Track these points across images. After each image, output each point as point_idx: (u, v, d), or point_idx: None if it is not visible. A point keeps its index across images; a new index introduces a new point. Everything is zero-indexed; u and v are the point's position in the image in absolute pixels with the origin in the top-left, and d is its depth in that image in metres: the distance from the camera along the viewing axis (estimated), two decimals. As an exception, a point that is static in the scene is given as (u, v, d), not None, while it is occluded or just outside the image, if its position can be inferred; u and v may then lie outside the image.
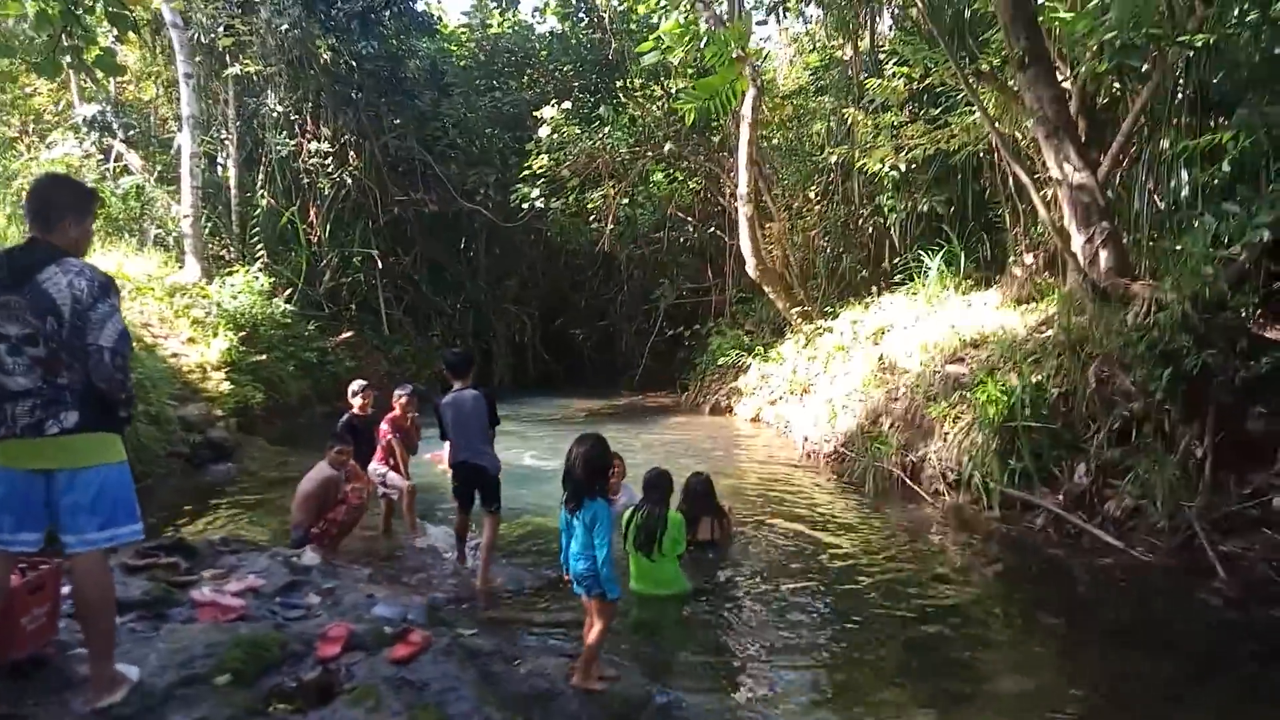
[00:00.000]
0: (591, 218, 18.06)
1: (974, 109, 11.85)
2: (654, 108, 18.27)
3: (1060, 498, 7.50)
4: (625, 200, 17.74)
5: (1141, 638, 5.67)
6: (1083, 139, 8.87)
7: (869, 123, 13.11)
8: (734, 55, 6.39)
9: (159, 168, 17.26)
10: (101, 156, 16.55)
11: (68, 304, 3.26)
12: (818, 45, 17.19)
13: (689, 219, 19.73)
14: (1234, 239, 7.22)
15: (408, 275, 20.38)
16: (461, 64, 21.15)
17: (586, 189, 17.88)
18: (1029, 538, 7.52)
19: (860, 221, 15.00)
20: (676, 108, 9.30)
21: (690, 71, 17.82)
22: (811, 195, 16.12)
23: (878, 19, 16.41)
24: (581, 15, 21.17)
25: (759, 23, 9.40)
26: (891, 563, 7.11)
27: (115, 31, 6.02)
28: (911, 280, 13.70)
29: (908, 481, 9.03)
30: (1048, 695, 4.77)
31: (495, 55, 21.18)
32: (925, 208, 13.87)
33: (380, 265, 18.71)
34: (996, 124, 9.05)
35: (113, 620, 3.54)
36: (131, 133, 17.07)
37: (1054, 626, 5.94)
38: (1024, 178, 8.71)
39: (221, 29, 16.28)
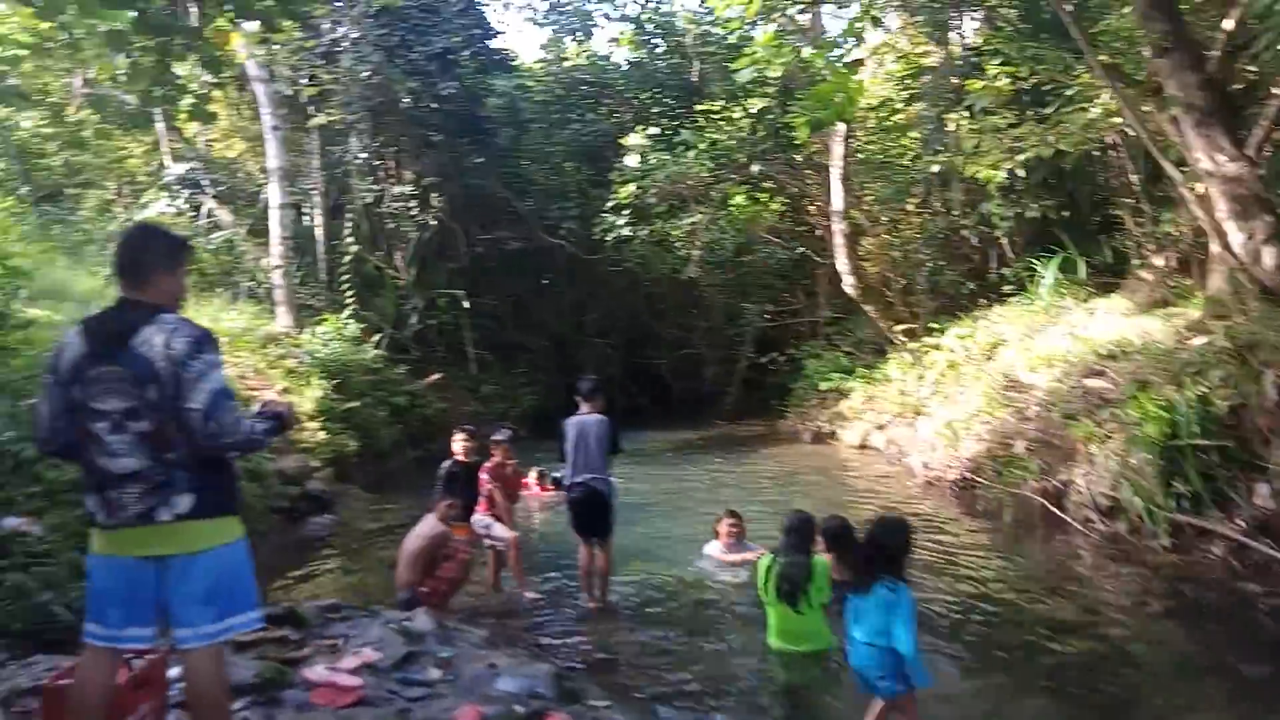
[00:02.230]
0: (678, 244, 17.64)
1: (1087, 106, 11.15)
2: (735, 129, 17.81)
3: (1241, 523, 6.67)
4: (715, 223, 17.30)
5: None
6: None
7: (973, 127, 12.39)
8: (850, 58, 5.88)
9: (248, 221, 17.48)
10: (193, 213, 16.84)
11: (165, 366, 2.90)
12: (903, 53, 16.52)
13: (775, 239, 19.17)
14: None
15: (492, 313, 20.24)
16: (539, 99, 21.09)
17: (671, 216, 17.51)
18: (1206, 569, 6.70)
19: (963, 232, 14.22)
20: (788, 123, 8.79)
21: (773, 89, 17.35)
22: (909, 207, 15.41)
23: (967, 20, 15.73)
24: (657, 42, 20.92)
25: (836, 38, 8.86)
26: (1047, 601, 6.40)
27: (208, 77, 5.84)
28: (1023, 290, 12.89)
29: (1053, 510, 8.25)
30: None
31: (572, 88, 21.06)
32: (1036, 213, 13.05)
33: (465, 305, 18.58)
34: (1135, 115, 8.28)
35: (227, 720, 3.15)
36: (221, 188, 17.35)
37: (1259, 676, 5.14)
38: (1173, 171, 7.92)
39: (305, 80, 16.46)
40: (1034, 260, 12.94)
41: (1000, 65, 12.22)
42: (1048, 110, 11.67)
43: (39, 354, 7.56)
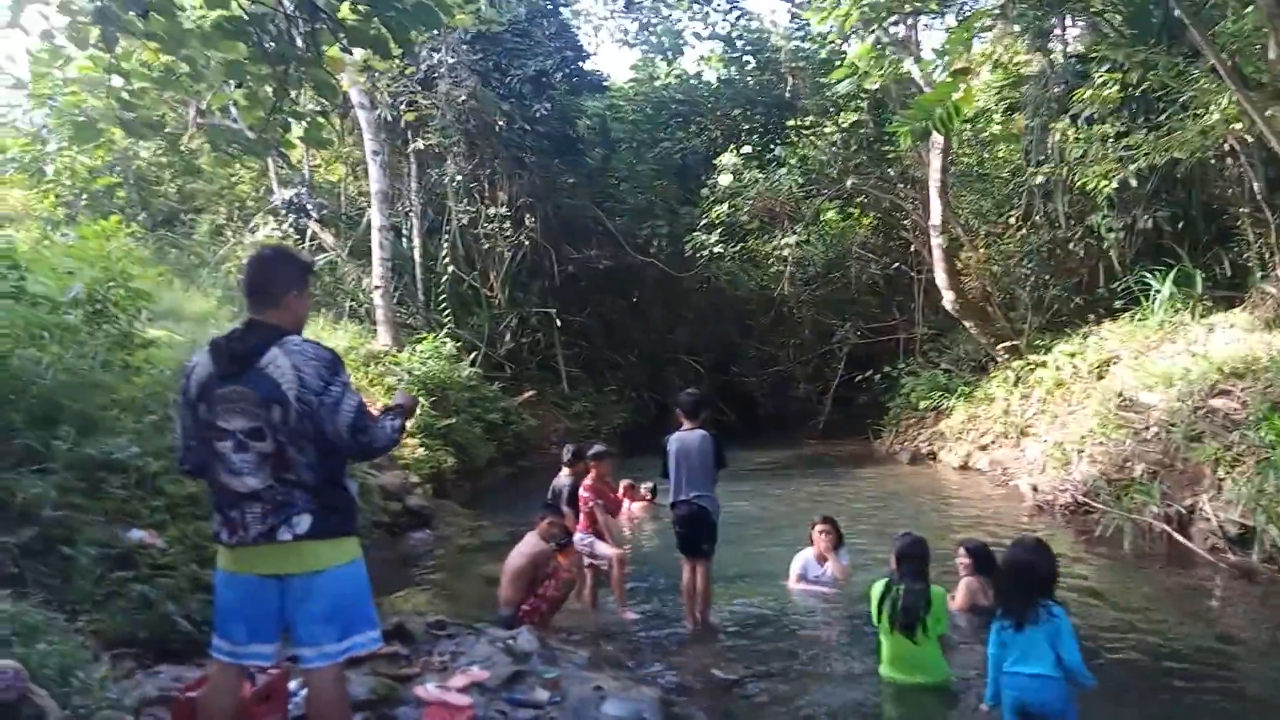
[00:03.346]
0: (769, 261, 17.48)
1: (1203, 112, 10.66)
2: (827, 143, 17.62)
3: (1392, 556, 6.19)
4: (805, 240, 17.11)
5: None
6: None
7: (1079, 136, 11.95)
8: (956, 66, 5.69)
9: (349, 243, 18.04)
10: (298, 236, 17.44)
11: (293, 388, 2.93)
12: (1001, 62, 16.10)
13: (869, 255, 18.85)
14: None
15: (583, 331, 20.39)
16: (629, 119, 21.27)
17: (762, 233, 17.40)
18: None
19: (1069, 245, 13.70)
20: (882, 136, 8.64)
21: (865, 103, 17.12)
22: (1011, 220, 14.94)
23: (1069, 27, 15.25)
24: (748, 59, 20.88)
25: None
26: (1173, 635, 6.03)
27: (317, 105, 6.01)
28: (1135, 305, 12.34)
29: (1177, 537, 7.80)
30: None
31: (662, 107, 21.17)
32: (1147, 224, 12.48)
33: (557, 323, 18.77)
34: (1260, 119, 7.85)
35: (348, 740, 3.17)
36: (324, 212, 17.94)
37: None
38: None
39: (404, 106, 16.93)
40: (1146, 274, 12.37)
41: (1108, 72, 11.76)
42: (1160, 117, 11.18)
43: (160, 372, 7.88)
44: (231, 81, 5.65)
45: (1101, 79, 11.76)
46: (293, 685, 3.92)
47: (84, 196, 15.64)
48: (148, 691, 4.21)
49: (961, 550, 6.47)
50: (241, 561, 3.03)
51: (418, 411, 3.76)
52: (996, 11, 12.76)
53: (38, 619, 3.93)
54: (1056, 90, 14.08)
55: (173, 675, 4.53)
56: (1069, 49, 15.42)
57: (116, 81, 5.69)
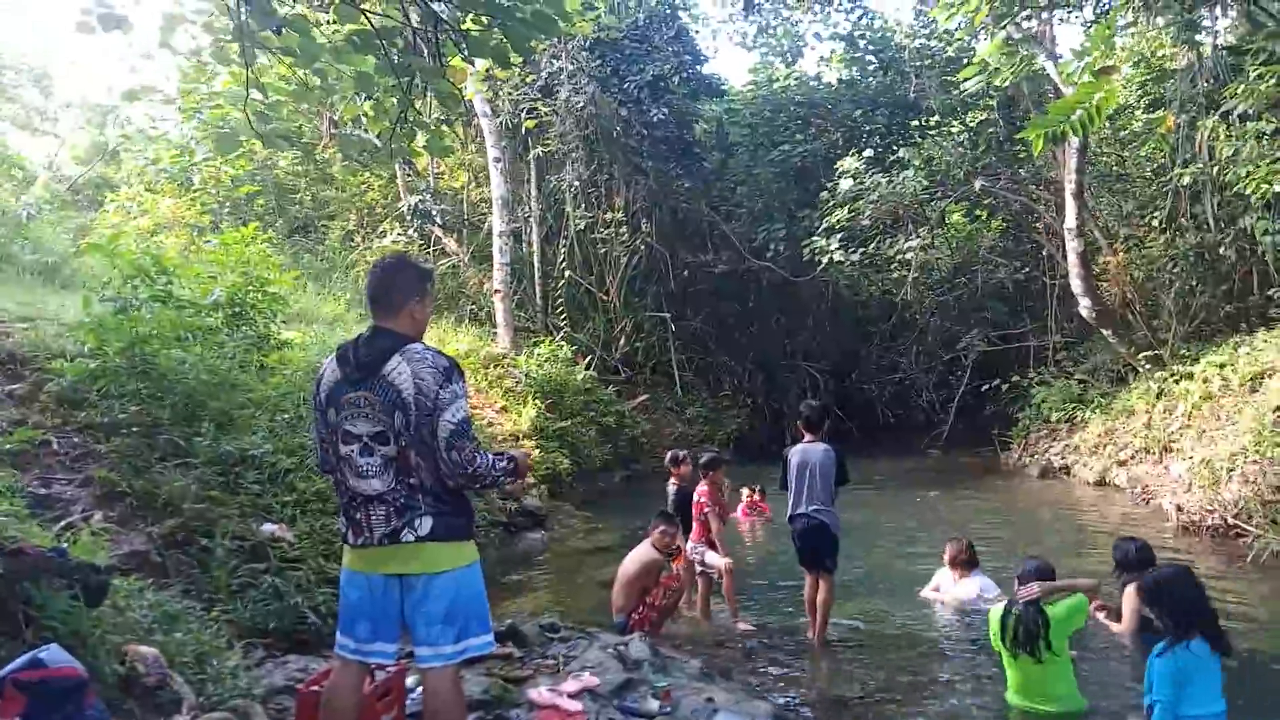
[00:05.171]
0: (892, 266, 16.98)
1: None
2: (953, 144, 17.02)
3: None
4: (930, 244, 16.57)
5: None
6: None
7: (1230, 134, 11.15)
8: (1098, 65, 5.35)
9: (470, 248, 18.51)
10: (422, 241, 18.01)
11: (411, 394, 3.02)
12: (1145, 56, 15.19)
13: (997, 259, 18.10)
14: None
15: (698, 336, 20.32)
16: (746, 123, 21.11)
17: (884, 237, 16.93)
18: None
19: (1220, 249, 12.80)
20: (1014, 136, 8.29)
21: (994, 101, 16.49)
22: (1154, 223, 14.08)
23: (1220, 17, 14.22)
24: (870, 59, 20.40)
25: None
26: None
27: (445, 114, 6.16)
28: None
29: (1344, 566, 7.16)
30: None
31: (780, 109, 20.89)
32: (1310, 226, 11.54)
33: (672, 328, 18.77)
34: None
35: (463, 740, 3.20)
36: (446, 218, 18.47)
37: None
38: None
39: (525, 112, 17.27)
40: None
41: (1264, 65, 10.95)
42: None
43: (294, 372, 8.24)
44: (361, 93, 5.84)
45: (1257, 72, 10.94)
46: (410, 682, 4.00)
47: (227, 204, 16.58)
48: (275, 681, 4.38)
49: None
50: (366, 562, 3.10)
51: (528, 475, 3.75)
52: (1139, 4, 12.02)
53: (177, 608, 4.14)
54: (1205, 85, 13.20)
55: (299, 665, 4.70)
56: (1219, 41, 14.42)
57: (255, 95, 5.96)
